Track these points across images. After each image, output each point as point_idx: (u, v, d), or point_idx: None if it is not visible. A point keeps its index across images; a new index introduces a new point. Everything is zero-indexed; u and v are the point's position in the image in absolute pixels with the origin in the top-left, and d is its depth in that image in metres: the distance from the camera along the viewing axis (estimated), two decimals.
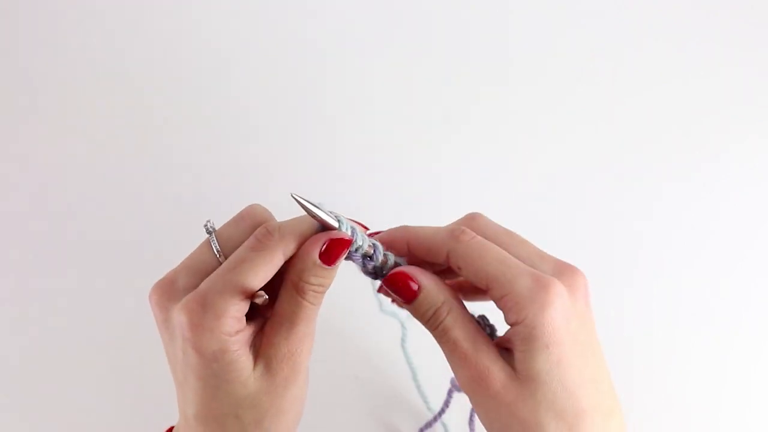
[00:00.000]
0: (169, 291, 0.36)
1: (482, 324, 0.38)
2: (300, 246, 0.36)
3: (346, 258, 0.38)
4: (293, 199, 0.35)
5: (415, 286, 0.37)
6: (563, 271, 0.36)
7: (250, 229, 0.37)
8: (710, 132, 0.71)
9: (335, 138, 0.70)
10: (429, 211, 0.64)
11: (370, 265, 0.38)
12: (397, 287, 0.37)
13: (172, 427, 0.40)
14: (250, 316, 0.37)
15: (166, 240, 0.62)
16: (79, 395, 0.57)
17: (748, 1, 0.78)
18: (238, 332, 0.35)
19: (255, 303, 0.36)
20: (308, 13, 0.77)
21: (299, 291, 0.36)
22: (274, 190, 0.65)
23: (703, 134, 0.71)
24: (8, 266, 0.63)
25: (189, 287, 0.35)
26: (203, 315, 0.34)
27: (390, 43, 0.76)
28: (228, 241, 0.37)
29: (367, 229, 0.40)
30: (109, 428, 0.56)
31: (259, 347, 0.36)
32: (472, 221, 0.39)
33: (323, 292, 0.37)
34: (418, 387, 0.55)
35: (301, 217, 0.37)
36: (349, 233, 0.37)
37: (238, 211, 0.38)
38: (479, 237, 0.36)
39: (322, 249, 0.36)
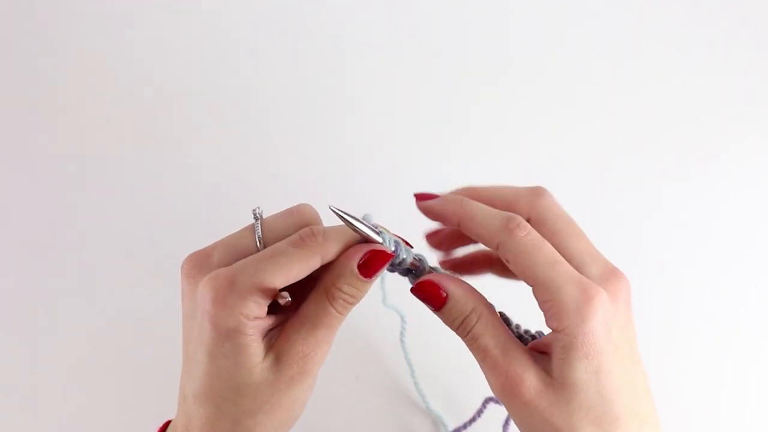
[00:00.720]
0: (201, 263, 0.36)
1: (524, 336, 0.39)
2: (340, 253, 0.36)
3: (392, 271, 0.38)
4: (332, 212, 0.36)
5: (443, 294, 0.37)
6: (609, 276, 0.36)
7: (296, 226, 0.37)
8: (710, 132, 0.71)
9: (335, 138, 0.70)
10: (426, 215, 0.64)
11: (413, 279, 0.39)
12: (426, 295, 0.37)
13: (169, 421, 0.40)
14: (273, 312, 0.37)
15: (170, 240, 0.62)
16: (81, 395, 0.57)
17: (748, 2, 0.78)
18: (256, 318, 0.35)
19: (277, 302, 0.36)
20: (308, 13, 0.77)
21: (329, 296, 0.36)
22: (276, 190, 0.65)
23: (703, 134, 0.71)
24: (8, 266, 0.63)
25: (222, 264, 0.36)
26: (228, 292, 0.34)
27: (390, 43, 0.76)
28: (271, 231, 0.37)
29: (410, 246, 0.40)
30: (109, 427, 0.56)
31: (274, 341, 0.37)
32: (535, 198, 0.39)
33: (353, 304, 0.37)
34: (416, 384, 0.55)
35: (344, 226, 0.37)
36: (392, 247, 0.37)
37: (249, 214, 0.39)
38: (533, 234, 0.36)
39: (362, 260, 0.36)
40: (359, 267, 0.36)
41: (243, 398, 0.36)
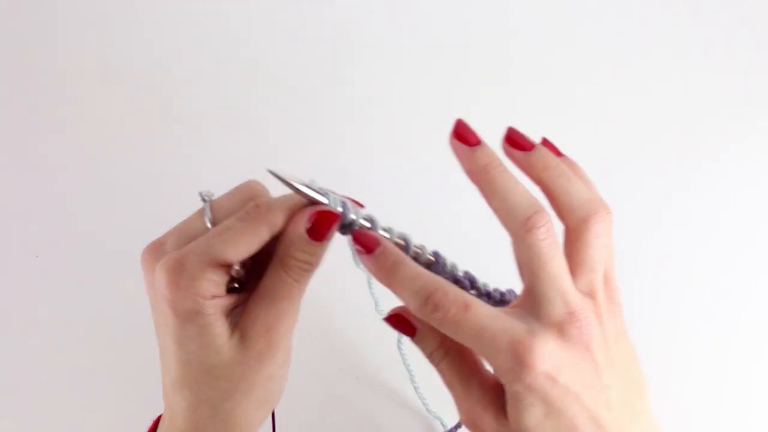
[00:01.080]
0: (156, 252, 0.36)
1: (492, 294, 0.39)
2: (288, 221, 0.36)
3: (342, 233, 0.37)
4: (271, 175, 0.35)
5: (414, 326, 0.37)
6: (563, 320, 0.34)
7: (244, 202, 0.37)
8: (710, 132, 0.71)
9: (335, 138, 0.70)
10: (429, 211, 0.64)
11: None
12: (398, 327, 0.38)
13: (160, 416, 0.41)
14: (237, 291, 0.37)
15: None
16: (84, 395, 0.58)
17: (748, 2, 0.78)
18: (214, 297, 0.35)
19: (239, 280, 0.36)
20: (308, 13, 0.77)
21: (284, 266, 0.36)
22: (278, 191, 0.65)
23: (703, 134, 0.71)
24: (8, 265, 0.63)
25: (176, 250, 0.36)
26: (179, 274, 0.34)
27: (388, 43, 0.76)
28: (220, 211, 0.37)
29: (362, 206, 0.39)
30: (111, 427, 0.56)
31: (238, 319, 0.36)
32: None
33: (309, 271, 0.36)
34: (416, 388, 0.54)
35: (291, 194, 0.36)
36: (339, 207, 0.36)
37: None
38: (452, 310, 0.34)
39: (309, 223, 0.35)
40: (308, 231, 0.35)
41: (217, 380, 0.36)
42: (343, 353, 0.58)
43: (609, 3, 0.78)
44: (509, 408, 0.34)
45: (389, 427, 0.56)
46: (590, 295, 0.35)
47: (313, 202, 0.36)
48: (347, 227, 0.37)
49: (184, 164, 0.68)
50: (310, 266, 0.36)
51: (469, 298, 0.34)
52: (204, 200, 0.37)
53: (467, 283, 0.39)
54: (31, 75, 0.72)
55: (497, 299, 0.40)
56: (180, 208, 0.64)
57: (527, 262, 0.35)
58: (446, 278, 0.38)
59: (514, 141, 0.40)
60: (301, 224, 0.35)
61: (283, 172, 0.35)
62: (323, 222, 0.36)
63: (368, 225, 0.37)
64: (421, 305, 0.34)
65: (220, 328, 0.35)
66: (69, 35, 0.74)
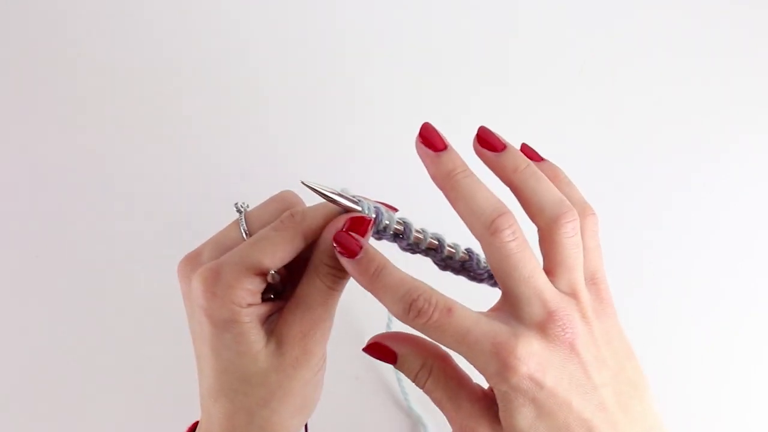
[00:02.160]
0: (193, 263, 0.37)
1: (471, 257, 0.39)
2: (322, 229, 0.36)
3: (378, 238, 0.38)
4: (305, 186, 0.35)
5: (394, 352, 0.37)
6: (545, 321, 0.34)
7: (279, 212, 0.37)
8: (710, 132, 0.71)
9: (334, 137, 0.70)
10: (429, 212, 0.64)
11: (404, 243, 0.38)
12: (377, 355, 0.38)
13: (197, 422, 0.41)
14: (273, 300, 0.38)
15: (172, 237, 0.62)
16: (84, 396, 0.58)
17: (748, 1, 0.78)
18: (250, 305, 0.35)
19: (276, 288, 0.37)
20: (307, 13, 0.77)
21: (319, 273, 0.36)
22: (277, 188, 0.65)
23: (703, 134, 0.71)
24: (8, 265, 0.63)
25: (212, 260, 0.36)
26: (216, 283, 0.34)
27: (388, 42, 0.75)
28: (256, 221, 0.38)
29: (395, 210, 0.39)
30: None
31: (274, 327, 0.37)
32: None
33: (346, 278, 0.37)
34: (403, 390, 0.54)
35: (325, 203, 0.37)
36: (372, 213, 0.37)
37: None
38: (435, 314, 0.34)
39: (343, 230, 0.36)
40: None
41: (253, 387, 0.36)
42: (343, 354, 0.58)
43: (609, 2, 0.78)
44: (501, 412, 0.34)
45: (389, 426, 0.57)
46: (572, 295, 0.35)
47: (347, 210, 0.37)
48: (382, 232, 0.38)
49: (186, 165, 0.68)
50: (344, 273, 0.37)
51: (452, 302, 0.34)
52: (239, 211, 0.38)
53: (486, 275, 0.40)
54: (31, 75, 0.72)
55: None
56: (182, 208, 0.65)
57: (498, 266, 0.35)
58: (481, 273, 0.39)
59: (486, 141, 0.39)
60: (335, 232, 0.36)
61: (316, 182, 0.36)
62: (357, 228, 0.36)
63: (401, 228, 0.38)
64: (405, 311, 0.34)
65: (256, 336, 0.36)
66: (69, 35, 0.74)
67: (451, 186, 0.36)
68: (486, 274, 0.40)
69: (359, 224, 0.36)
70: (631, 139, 0.71)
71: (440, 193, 0.66)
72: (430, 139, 0.38)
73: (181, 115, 0.70)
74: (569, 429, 0.33)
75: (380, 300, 0.35)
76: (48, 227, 0.64)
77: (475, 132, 0.39)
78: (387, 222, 0.37)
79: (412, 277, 0.35)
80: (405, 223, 0.38)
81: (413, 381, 0.37)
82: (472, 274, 0.40)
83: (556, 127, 0.72)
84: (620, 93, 0.74)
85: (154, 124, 0.69)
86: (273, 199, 0.39)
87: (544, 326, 0.34)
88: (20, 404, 0.57)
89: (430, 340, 0.35)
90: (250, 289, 0.35)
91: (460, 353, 0.34)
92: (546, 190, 0.37)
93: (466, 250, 0.40)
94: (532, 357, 0.33)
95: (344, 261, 0.36)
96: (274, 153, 0.69)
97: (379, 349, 0.38)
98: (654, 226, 0.66)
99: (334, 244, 0.36)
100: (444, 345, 0.34)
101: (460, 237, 0.40)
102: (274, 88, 0.72)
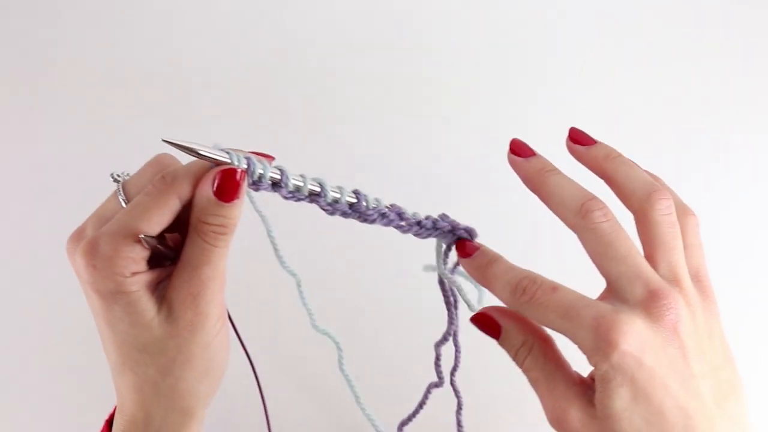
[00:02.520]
0: (77, 240, 0.36)
1: (425, 224, 0.40)
2: (194, 186, 0.35)
3: (255, 189, 0.36)
4: (166, 143, 0.34)
5: (499, 325, 0.38)
6: (649, 300, 0.33)
7: (155, 176, 0.36)
8: (710, 132, 0.70)
9: (333, 137, 0.70)
10: (428, 212, 0.64)
11: (284, 191, 0.37)
12: (483, 326, 0.38)
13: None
14: (162, 265, 0.37)
15: None
16: (84, 395, 0.59)
17: (749, 2, 0.77)
18: (134, 274, 0.34)
19: (165, 254, 0.36)
20: (306, 11, 0.77)
21: (199, 232, 0.35)
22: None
23: (703, 134, 0.70)
24: (8, 265, 0.64)
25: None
26: (95, 255, 0.34)
27: (388, 41, 0.75)
28: (133, 189, 0.37)
29: (271, 158, 0.38)
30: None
31: (164, 292, 0.36)
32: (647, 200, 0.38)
33: (227, 233, 0.36)
34: (363, 409, 0.51)
35: (196, 160, 0.35)
36: (243, 164, 0.35)
37: None
38: (539, 292, 0.35)
39: (215, 185, 0.35)
40: (215, 193, 0.35)
41: (152, 357, 0.36)
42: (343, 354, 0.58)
43: (609, 2, 0.77)
44: (598, 394, 0.33)
45: (389, 426, 0.56)
46: (675, 281, 0.35)
47: (217, 164, 0.35)
48: (258, 182, 0.36)
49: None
50: (224, 228, 0.36)
51: (557, 283, 0.35)
52: (116, 180, 0.37)
53: (395, 216, 0.40)
54: (31, 74, 0.72)
55: (429, 226, 0.41)
56: None
57: (594, 249, 0.35)
58: (371, 215, 0.39)
59: (577, 139, 0.43)
60: (208, 187, 0.35)
61: (179, 138, 0.34)
62: (229, 181, 0.35)
63: (278, 176, 0.36)
64: (512, 292, 0.35)
65: (145, 304, 0.35)
66: (69, 35, 0.74)
67: (541, 182, 0.39)
68: (376, 215, 0.39)
69: (230, 176, 0.35)
70: (631, 139, 0.70)
71: (441, 191, 0.66)
72: (519, 150, 0.41)
73: (182, 115, 0.71)
74: (663, 415, 0.32)
75: (491, 288, 0.37)
76: (48, 227, 0.65)
77: (567, 133, 0.44)
78: (261, 171, 0.35)
79: (519, 267, 0.37)
80: (282, 171, 0.36)
81: (513, 358, 0.37)
82: (361, 215, 0.39)
83: (555, 127, 0.71)
84: (620, 93, 0.73)
85: (154, 125, 0.70)
86: (148, 164, 0.38)
87: (648, 305, 0.33)
88: (19, 404, 0.58)
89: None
90: (132, 257, 0.34)
91: (562, 331, 0.34)
92: (637, 174, 0.38)
93: (353, 191, 0.39)
94: (634, 335, 0.32)
95: (462, 261, 0.39)
96: (275, 153, 0.69)
97: (486, 321, 0.38)
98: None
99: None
100: (547, 324, 0.35)
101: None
102: (275, 88, 0.73)
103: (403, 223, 0.40)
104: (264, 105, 0.72)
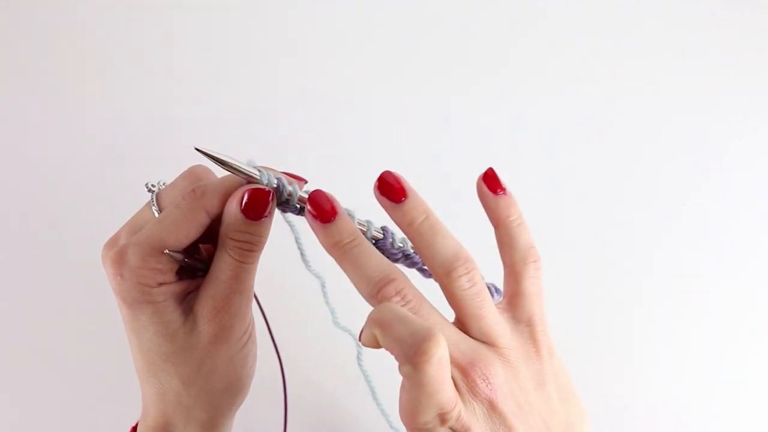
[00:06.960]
0: (111, 248, 0.36)
1: (409, 253, 0.38)
2: (224, 202, 0.36)
3: (283, 211, 0.37)
4: (198, 153, 0.34)
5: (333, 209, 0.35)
6: (463, 374, 0.32)
7: (188, 188, 0.37)
8: (711, 132, 0.71)
9: (333, 137, 0.70)
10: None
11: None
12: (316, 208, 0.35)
13: None
14: (194, 275, 0.37)
15: None
16: (84, 396, 0.58)
17: (749, 2, 0.78)
18: (161, 284, 0.35)
19: (196, 267, 0.36)
20: (303, 11, 0.76)
21: (226, 247, 0.36)
22: None
23: (704, 135, 0.71)
24: (9, 265, 0.63)
25: None
26: (122, 265, 0.34)
27: (387, 41, 0.75)
28: (166, 200, 0.37)
29: (304, 182, 0.38)
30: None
31: (192, 304, 0.36)
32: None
33: (254, 250, 0.36)
34: (378, 404, 0.51)
35: (228, 175, 0.36)
36: (273, 183, 0.35)
37: None
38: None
39: (243, 203, 0.35)
40: (243, 210, 0.35)
41: (176, 366, 0.36)
42: (343, 354, 0.58)
43: (609, 2, 0.78)
44: None
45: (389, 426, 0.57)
46: (489, 342, 0.34)
47: (248, 181, 0.35)
48: (285, 204, 0.36)
49: (186, 165, 0.67)
50: (251, 246, 0.36)
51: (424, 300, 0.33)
52: (150, 191, 0.38)
53: (419, 259, 0.38)
54: (31, 74, 0.72)
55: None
56: None
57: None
58: (395, 253, 0.38)
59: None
60: (235, 204, 0.35)
61: (213, 149, 0.34)
62: (257, 200, 0.35)
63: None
64: (371, 296, 0.33)
65: (171, 314, 0.35)
66: (69, 34, 0.74)
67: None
68: (400, 254, 0.38)
69: (259, 195, 0.35)
70: (631, 139, 0.71)
71: (438, 196, 0.66)
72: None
73: (182, 115, 0.70)
74: None
75: (348, 275, 0.34)
76: (48, 227, 0.64)
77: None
78: (290, 191, 0.35)
79: (389, 261, 0.34)
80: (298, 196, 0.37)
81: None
82: (385, 254, 0.38)
83: (555, 127, 0.72)
84: (620, 93, 0.73)
85: (154, 124, 0.70)
86: (182, 176, 0.38)
87: (463, 382, 0.32)
88: (19, 405, 0.57)
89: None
90: (159, 269, 0.35)
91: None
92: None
93: (381, 228, 0.38)
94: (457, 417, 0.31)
95: (314, 225, 0.34)
96: (281, 154, 0.69)
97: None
98: (654, 225, 0.66)
99: (308, 205, 0.34)
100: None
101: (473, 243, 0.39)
102: (275, 88, 0.72)
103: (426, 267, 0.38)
104: (264, 105, 0.71)
